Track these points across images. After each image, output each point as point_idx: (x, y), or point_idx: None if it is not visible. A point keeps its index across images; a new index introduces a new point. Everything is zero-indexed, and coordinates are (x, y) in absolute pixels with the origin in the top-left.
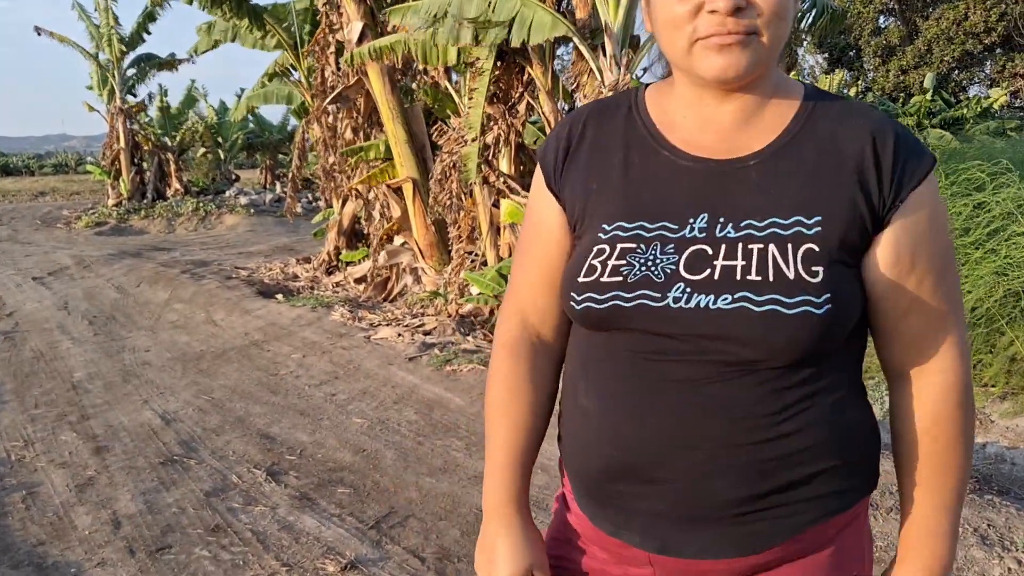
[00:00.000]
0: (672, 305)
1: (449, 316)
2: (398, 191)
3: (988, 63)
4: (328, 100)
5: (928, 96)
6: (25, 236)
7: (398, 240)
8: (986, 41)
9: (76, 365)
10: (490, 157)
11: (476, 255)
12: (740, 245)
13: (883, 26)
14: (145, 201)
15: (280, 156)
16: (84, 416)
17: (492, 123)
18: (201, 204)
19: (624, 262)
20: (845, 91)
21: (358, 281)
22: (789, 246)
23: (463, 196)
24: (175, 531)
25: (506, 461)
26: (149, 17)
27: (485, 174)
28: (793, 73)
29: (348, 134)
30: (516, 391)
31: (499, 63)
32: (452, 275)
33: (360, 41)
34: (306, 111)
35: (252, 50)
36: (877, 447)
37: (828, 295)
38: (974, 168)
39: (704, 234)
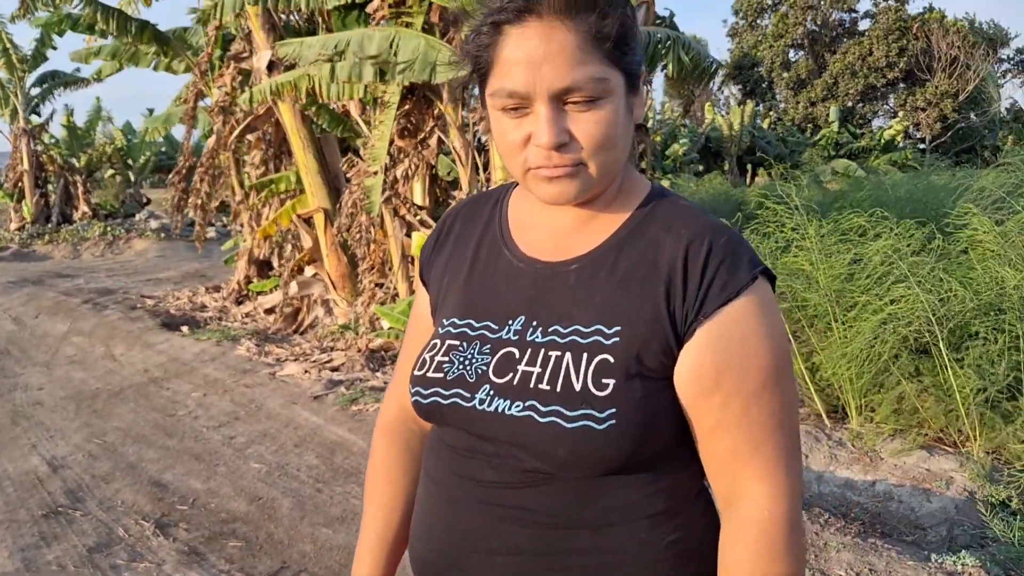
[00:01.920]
0: (478, 407)
1: (359, 351)
2: (309, 221)
3: (891, 97)
4: (238, 131)
5: (835, 128)
6: None
7: (309, 271)
8: (889, 76)
9: None
10: (400, 189)
11: (387, 288)
12: (542, 351)
13: (793, 60)
14: (50, 225)
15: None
16: None
17: (403, 156)
18: (109, 228)
19: (447, 359)
20: (758, 121)
21: (268, 312)
22: (584, 356)
23: (373, 228)
24: None
25: (373, 542)
26: (54, 31)
27: (395, 206)
28: (708, 104)
29: (258, 163)
30: (388, 472)
31: (409, 97)
32: (362, 308)
33: (270, 70)
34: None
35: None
36: (713, 565)
37: (613, 409)
38: (855, 216)
39: (517, 336)
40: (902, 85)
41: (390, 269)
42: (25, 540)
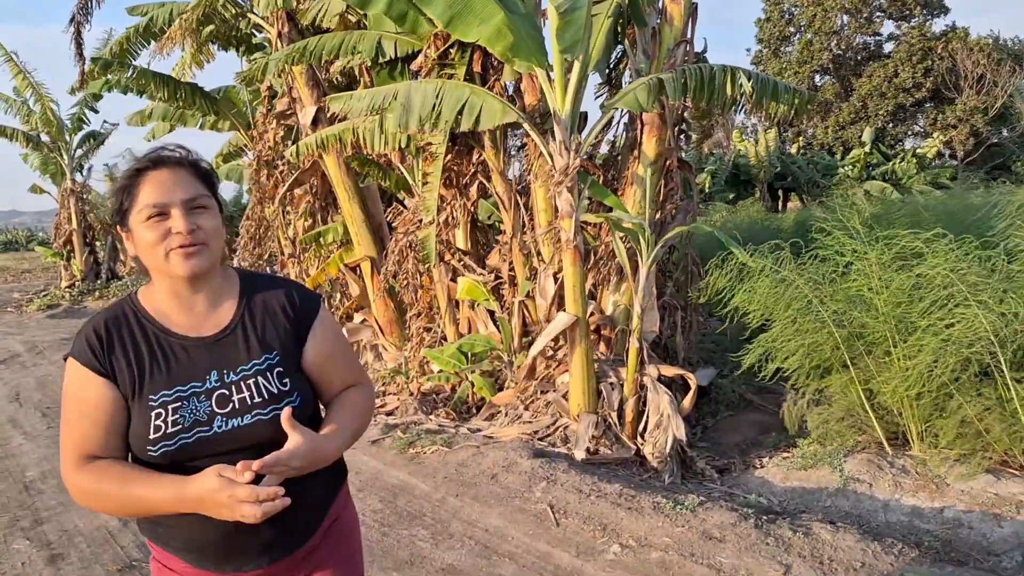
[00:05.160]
0: (218, 431)
1: (411, 395)
2: (356, 269)
3: (920, 116)
4: (287, 186)
5: (867, 149)
6: None
7: (357, 317)
8: (916, 96)
9: (29, 463)
10: (444, 236)
11: (435, 331)
12: (242, 383)
13: (819, 84)
14: (99, 281)
15: (235, 232)
16: (38, 520)
17: (445, 204)
18: None
19: (178, 416)
20: (786, 146)
21: None
22: (268, 373)
23: (419, 274)
24: None
25: (155, 477)
26: (94, 97)
27: (440, 251)
28: (736, 132)
29: (305, 215)
30: (107, 465)
31: (451, 146)
32: (411, 352)
33: (314, 124)
34: (259, 188)
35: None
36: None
37: (297, 392)
38: (908, 238)
39: (219, 383)
40: (929, 104)
41: (437, 313)
42: None
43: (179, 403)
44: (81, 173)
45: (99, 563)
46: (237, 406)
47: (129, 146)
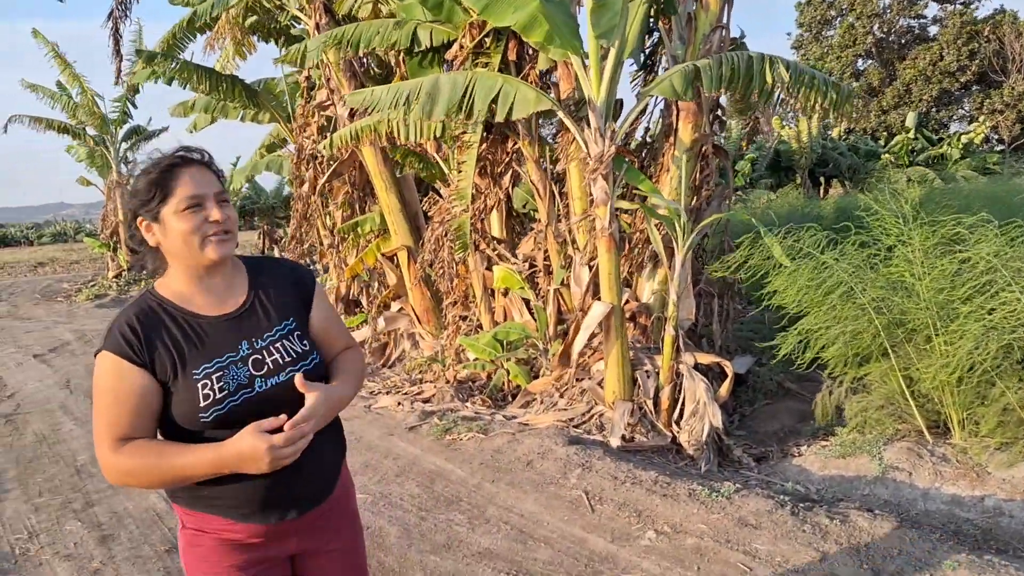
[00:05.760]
0: (259, 391)
1: (447, 382)
2: (393, 258)
3: (966, 100)
4: (326, 177)
5: (911, 134)
6: (25, 311)
7: (395, 306)
8: (962, 79)
9: (79, 448)
10: (479, 224)
11: (471, 319)
12: (271, 347)
13: (862, 68)
14: (145, 271)
15: (277, 221)
16: (89, 503)
17: (480, 193)
18: None
19: (222, 383)
20: (828, 132)
21: None
22: (290, 337)
23: (455, 263)
24: None
25: (191, 446)
26: (132, 90)
27: (475, 240)
28: (775, 118)
29: (343, 206)
30: (144, 443)
31: (486, 135)
32: (448, 341)
33: (352, 116)
34: (300, 181)
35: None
36: (342, 429)
37: (312, 352)
38: (953, 223)
39: (251, 350)
40: (976, 88)
41: (473, 302)
42: (151, 575)
43: (220, 372)
44: (126, 166)
45: (148, 543)
46: (271, 367)
47: (161, 143)
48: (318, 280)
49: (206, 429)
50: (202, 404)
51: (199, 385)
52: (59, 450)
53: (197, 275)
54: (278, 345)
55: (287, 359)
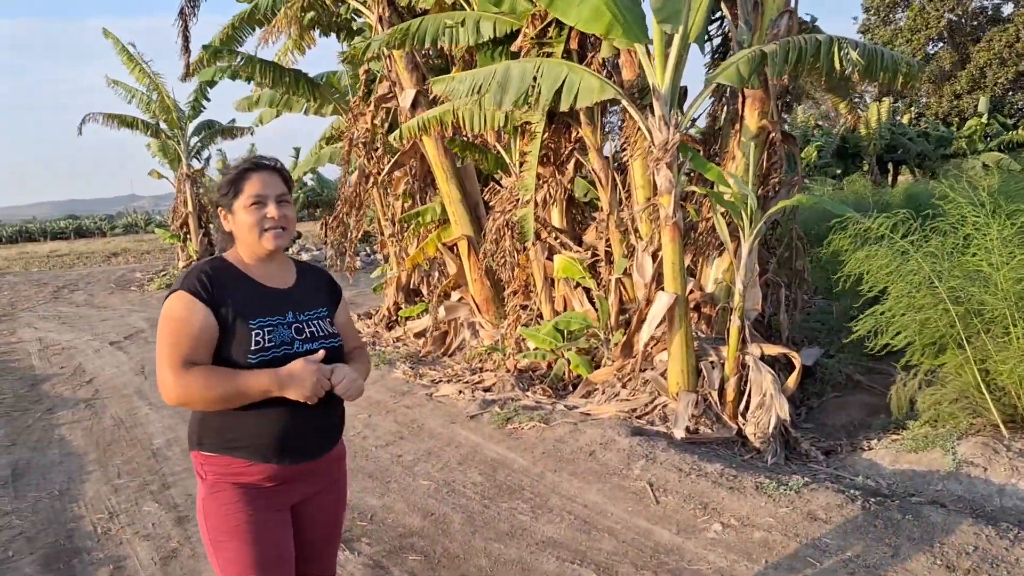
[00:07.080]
0: (298, 350)
1: (508, 371)
2: (453, 248)
3: None
4: (388, 168)
5: (984, 119)
6: (101, 300)
7: (455, 295)
8: None
9: (155, 431)
10: (540, 214)
11: (531, 309)
12: (310, 321)
13: (932, 53)
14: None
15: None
16: (165, 485)
17: (542, 183)
18: None
19: (271, 337)
20: (897, 117)
21: (417, 336)
22: (323, 319)
23: (516, 252)
24: None
25: (251, 371)
26: (208, 84)
27: (536, 230)
28: (843, 104)
29: (404, 196)
30: (209, 367)
31: (549, 124)
32: (508, 331)
33: (413, 108)
34: (362, 172)
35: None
36: (344, 410)
37: (338, 336)
38: None
39: (294, 318)
40: None
41: (533, 291)
42: None
43: (271, 328)
44: (198, 159)
45: None
46: (308, 336)
47: (237, 145)
48: (342, 296)
49: (250, 368)
50: (252, 348)
51: (252, 333)
52: (136, 433)
53: (258, 258)
54: (315, 322)
55: (320, 334)
